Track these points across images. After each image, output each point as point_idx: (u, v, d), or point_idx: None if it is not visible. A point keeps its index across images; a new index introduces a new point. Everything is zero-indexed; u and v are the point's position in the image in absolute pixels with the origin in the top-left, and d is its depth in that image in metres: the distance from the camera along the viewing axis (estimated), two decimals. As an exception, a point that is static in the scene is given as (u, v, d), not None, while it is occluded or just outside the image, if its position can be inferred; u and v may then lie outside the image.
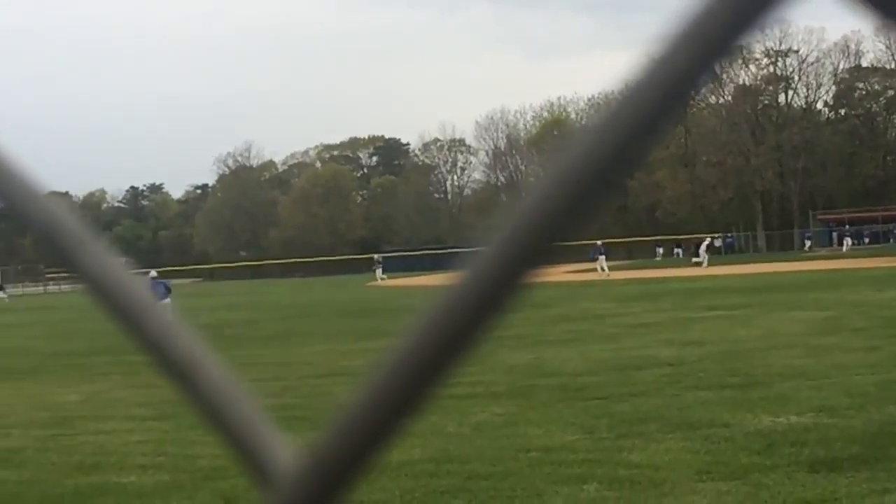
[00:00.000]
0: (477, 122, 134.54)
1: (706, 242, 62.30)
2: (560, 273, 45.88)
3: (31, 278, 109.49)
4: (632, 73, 0.40)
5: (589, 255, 52.72)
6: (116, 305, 0.50)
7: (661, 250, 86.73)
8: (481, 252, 0.42)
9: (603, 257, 52.57)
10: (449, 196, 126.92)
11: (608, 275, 49.30)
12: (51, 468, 9.16)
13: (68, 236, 0.51)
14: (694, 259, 60.33)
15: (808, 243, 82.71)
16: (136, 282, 0.51)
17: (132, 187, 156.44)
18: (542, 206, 0.41)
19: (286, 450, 0.49)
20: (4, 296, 73.33)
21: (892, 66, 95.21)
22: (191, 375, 0.50)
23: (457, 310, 0.42)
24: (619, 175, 0.41)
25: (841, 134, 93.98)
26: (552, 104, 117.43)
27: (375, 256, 74.37)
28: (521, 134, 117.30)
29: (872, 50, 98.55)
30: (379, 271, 67.65)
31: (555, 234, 0.42)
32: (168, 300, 25.33)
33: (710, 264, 57.31)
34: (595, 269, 50.76)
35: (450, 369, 0.44)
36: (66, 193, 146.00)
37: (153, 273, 28.31)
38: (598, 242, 52.82)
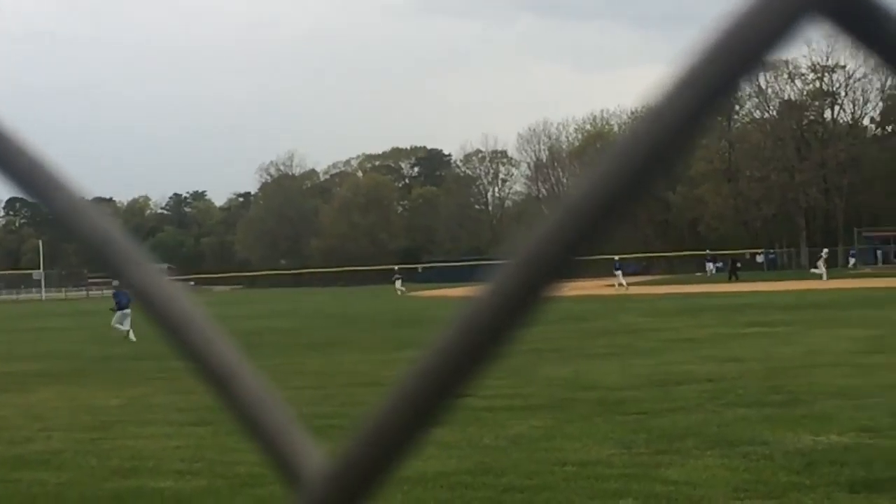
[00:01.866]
0: (519, 135, 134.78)
1: (823, 257, 61.84)
2: (597, 287, 45.85)
3: (73, 283, 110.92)
4: (659, 87, 0.41)
5: (630, 270, 53.63)
6: (162, 317, 0.53)
7: (710, 265, 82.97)
8: (505, 264, 0.42)
9: (619, 272, 53.56)
10: (490, 207, 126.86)
11: (626, 289, 50.84)
12: (90, 471, 9.25)
13: (119, 252, 0.55)
14: (813, 270, 60.25)
15: (852, 261, 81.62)
16: (181, 296, 0.55)
17: (175, 194, 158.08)
18: (565, 221, 0.42)
19: (316, 455, 0.51)
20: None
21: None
22: (229, 383, 0.53)
23: (478, 321, 0.43)
24: (644, 190, 0.41)
25: (888, 150, 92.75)
26: (595, 117, 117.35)
27: (396, 268, 75.36)
28: (564, 146, 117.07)
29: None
30: (398, 283, 67.83)
31: (576, 249, 0.42)
32: (129, 310, 26.38)
33: (744, 279, 57.25)
34: (613, 285, 52.04)
35: (470, 380, 0.44)
36: (111, 200, 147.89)
37: (115, 282, 28.81)
38: (615, 258, 53.73)
